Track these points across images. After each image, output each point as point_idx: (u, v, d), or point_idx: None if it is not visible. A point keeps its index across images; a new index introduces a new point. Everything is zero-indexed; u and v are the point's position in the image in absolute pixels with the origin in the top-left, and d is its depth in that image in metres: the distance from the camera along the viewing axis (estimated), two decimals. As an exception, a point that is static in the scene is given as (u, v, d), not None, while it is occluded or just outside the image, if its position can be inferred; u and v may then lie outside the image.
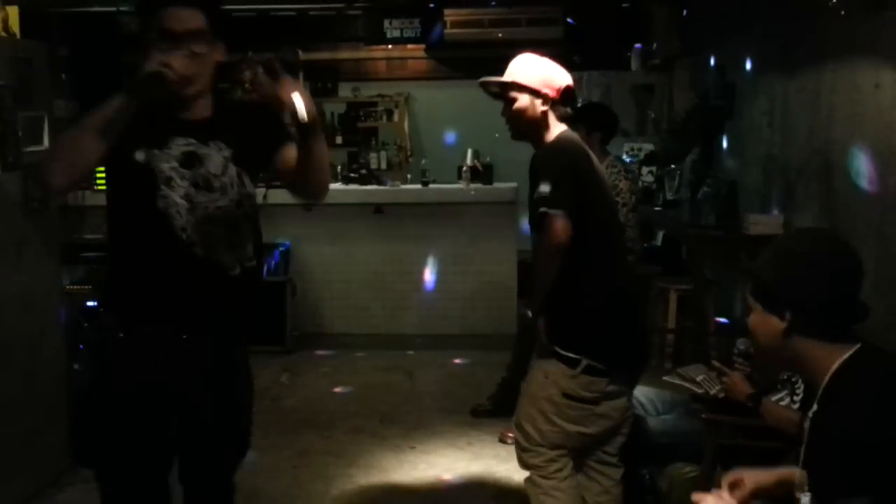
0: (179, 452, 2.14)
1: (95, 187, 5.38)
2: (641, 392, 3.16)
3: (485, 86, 2.72)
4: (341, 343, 5.79)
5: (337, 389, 4.98)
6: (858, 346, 1.65)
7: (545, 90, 2.59)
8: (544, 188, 2.46)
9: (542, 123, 2.62)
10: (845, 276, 1.67)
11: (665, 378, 3.34)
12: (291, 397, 4.83)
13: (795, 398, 2.56)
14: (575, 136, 2.67)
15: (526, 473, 2.71)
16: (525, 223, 2.91)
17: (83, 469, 3.77)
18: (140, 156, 1.96)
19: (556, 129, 2.63)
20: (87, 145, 1.88)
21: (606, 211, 2.67)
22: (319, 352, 5.64)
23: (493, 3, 6.64)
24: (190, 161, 2.01)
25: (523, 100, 2.61)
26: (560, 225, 2.44)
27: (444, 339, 5.72)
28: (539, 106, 2.60)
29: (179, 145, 2.01)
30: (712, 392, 2.92)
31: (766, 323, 1.70)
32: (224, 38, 2.06)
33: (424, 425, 4.34)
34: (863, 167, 2.95)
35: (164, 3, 1.98)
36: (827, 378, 1.64)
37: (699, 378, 3.17)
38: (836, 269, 1.66)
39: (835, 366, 1.63)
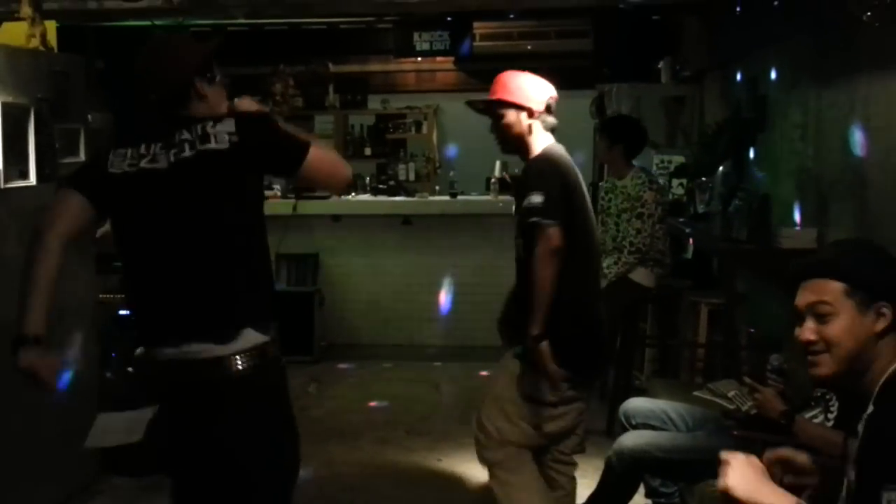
0: None
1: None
2: (671, 407, 3.13)
3: (472, 105, 2.86)
4: (368, 354, 5.80)
5: (364, 400, 4.99)
6: None
7: (529, 104, 2.70)
8: (536, 199, 2.55)
9: (528, 137, 2.73)
10: None
11: (696, 393, 3.31)
12: (319, 407, 4.85)
13: (830, 416, 2.51)
14: (561, 148, 2.77)
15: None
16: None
17: (113, 477, 3.81)
18: None
19: (544, 141, 2.74)
20: None
21: (587, 224, 2.75)
22: (346, 362, 5.66)
23: (515, 15, 6.65)
24: None
25: (510, 115, 2.72)
26: (554, 232, 2.53)
27: (470, 350, 5.70)
28: (525, 119, 2.71)
29: None
30: (744, 408, 2.88)
31: (859, 324, 1.62)
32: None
33: (451, 437, 4.33)
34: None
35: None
36: (883, 380, 1.60)
37: (730, 394, 3.13)
38: None
39: (891, 368, 1.60)
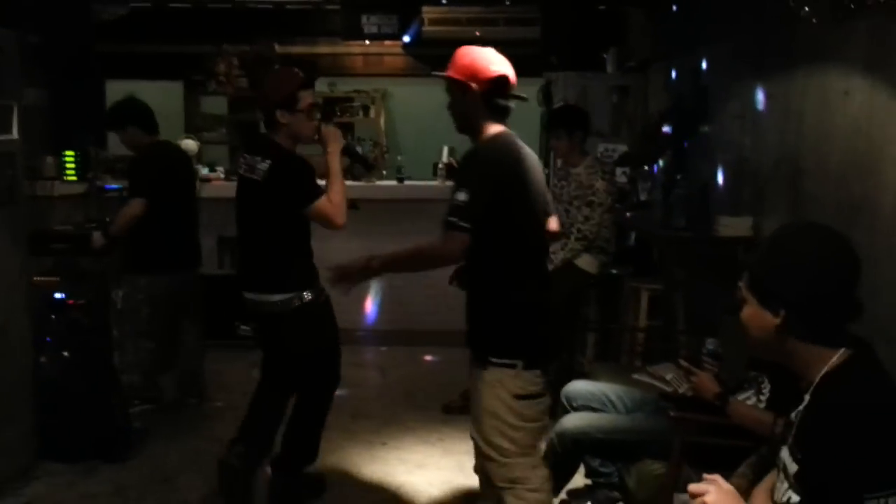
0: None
1: (65, 178, 5.31)
2: (611, 390, 3.20)
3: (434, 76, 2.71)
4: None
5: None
6: (853, 350, 1.64)
7: (472, 84, 2.53)
8: (461, 196, 2.43)
9: (473, 118, 2.58)
10: (842, 272, 1.66)
11: (635, 376, 3.39)
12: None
13: (762, 397, 2.60)
14: (511, 136, 2.59)
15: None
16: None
17: (50, 463, 3.73)
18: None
19: (491, 127, 2.57)
20: None
21: (530, 215, 2.59)
22: (291, 347, 5.61)
23: (464, 1, 6.65)
24: None
25: (455, 93, 2.58)
26: (459, 242, 2.44)
27: (416, 335, 5.72)
28: (467, 99, 2.54)
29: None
30: (681, 390, 2.96)
31: (759, 317, 1.69)
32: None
33: (396, 421, 4.35)
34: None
35: (305, 86, 3.26)
36: (819, 376, 1.64)
37: (668, 377, 3.22)
38: (832, 265, 1.65)
39: (828, 365, 1.64)
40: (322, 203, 3.12)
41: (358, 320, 5.88)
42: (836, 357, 1.64)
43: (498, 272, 2.54)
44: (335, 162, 3.20)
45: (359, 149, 3.76)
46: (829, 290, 1.65)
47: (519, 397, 2.54)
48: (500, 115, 2.60)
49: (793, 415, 1.70)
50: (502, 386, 2.53)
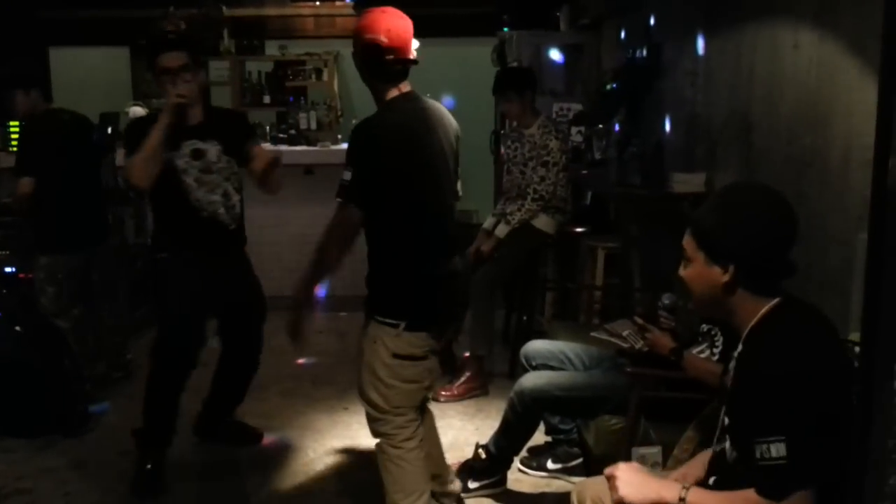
0: (222, 319, 3.53)
1: (10, 149, 5.14)
2: (570, 348, 3.24)
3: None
4: (271, 305, 5.63)
5: (268, 352, 4.93)
6: (780, 298, 1.74)
7: (358, 48, 2.53)
8: (346, 175, 2.47)
9: (374, 85, 2.57)
10: (787, 231, 1.75)
11: (592, 334, 3.43)
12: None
13: (715, 350, 2.65)
14: (405, 101, 2.55)
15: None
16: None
17: (6, 438, 3.68)
18: (166, 156, 3.10)
19: (389, 91, 2.55)
20: (156, 159, 3.07)
21: (423, 180, 2.56)
22: (250, 315, 5.56)
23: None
24: (196, 154, 3.18)
25: (356, 61, 2.58)
26: (350, 216, 2.50)
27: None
28: (361, 66, 2.56)
29: (188, 145, 3.17)
30: (637, 346, 3.00)
31: (706, 274, 1.76)
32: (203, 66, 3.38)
33: (356, 386, 4.34)
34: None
35: (160, 49, 3.10)
36: (752, 323, 1.72)
37: (625, 333, 3.26)
38: (779, 223, 1.74)
39: (760, 313, 1.72)
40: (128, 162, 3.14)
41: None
42: (767, 307, 1.73)
43: (385, 237, 2.58)
44: (155, 131, 3.07)
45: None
46: (775, 244, 1.73)
47: (397, 356, 2.58)
48: (392, 77, 2.55)
49: (729, 365, 1.76)
50: (382, 343, 2.59)
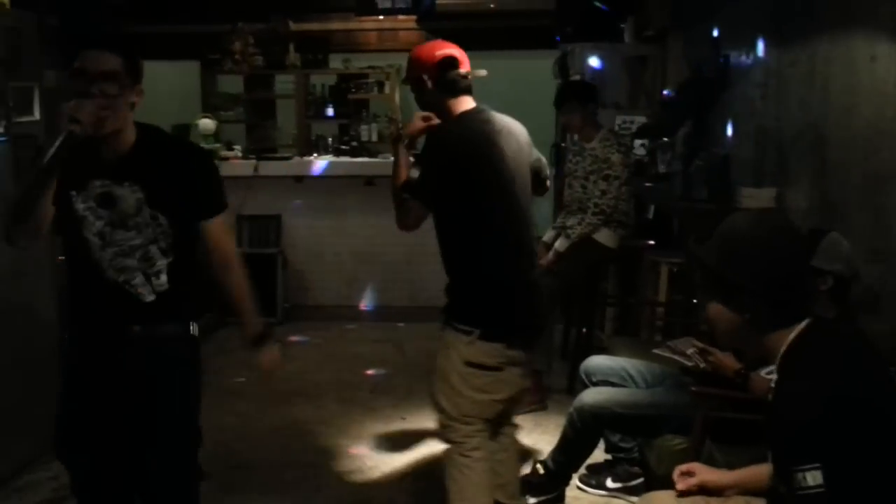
0: (130, 458, 2.26)
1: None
2: (631, 365, 3.17)
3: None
4: (332, 315, 5.79)
5: (327, 361, 4.99)
6: (808, 321, 1.66)
7: (423, 74, 2.65)
8: (414, 173, 2.61)
9: (437, 106, 2.68)
10: (796, 250, 1.69)
11: (655, 351, 3.36)
12: (282, 368, 4.83)
13: (784, 370, 2.56)
14: (478, 114, 2.65)
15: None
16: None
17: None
18: (64, 197, 2.13)
19: (457, 105, 2.65)
20: (40, 212, 2.07)
21: (497, 189, 2.61)
22: (310, 323, 5.64)
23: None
24: (106, 201, 2.16)
25: (416, 91, 2.70)
26: (412, 213, 2.63)
27: (434, 311, 5.66)
28: (425, 92, 2.67)
29: (96, 186, 2.16)
30: (702, 365, 2.93)
31: (727, 315, 1.71)
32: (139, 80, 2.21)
33: (414, 396, 4.36)
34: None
35: (83, 45, 2.14)
36: (781, 352, 1.66)
37: (689, 351, 3.18)
38: (786, 247, 1.68)
39: (789, 339, 1.66)
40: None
41: (374, 297, 5.89)
42: (795, 333, 1.66)
43: (460, 245, 2.65)
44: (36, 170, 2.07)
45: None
46: (788, 271, 1.66)
47: (469, 364, 2.59)
48: (459, 91, 2.66)
49: (769, 396, 1.70)
50: (455, 350, 2.61)
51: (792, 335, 1.65)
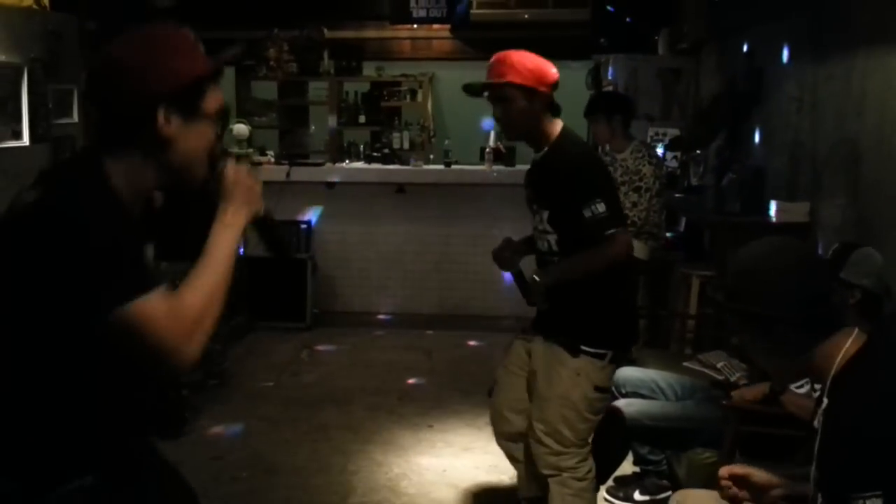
0: None
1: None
2: (661, 377, 3.16)
3: (470, 90, 2.66)
4: (361, 321, 5.83)
5: (355, 367, 5.02)
6: (866, 337, 1.60)
7: (540, 87, 2.56)
8: (601, 207, 2.45)
9: (539, 122, 2.60)
10: (819, 271, 1.67)
11: (685, 364, 3.35)
12: (311, 373, 4.88)
13: (817, 385, 2.54)
14: (570, 131, 2.67)
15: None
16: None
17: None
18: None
19: (556, 124, 2.63)
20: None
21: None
22: (339, 329, 5.68)
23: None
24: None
25: (520, 100, 2.56)
26: (626, 241, 2.51)
27: (462, 319, 5.73)
28: (536, 104, 2.57)
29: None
30: (732, 378, 2.91)
31: (762, 348, 1.69)
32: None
33: (442, 404, 4.37)
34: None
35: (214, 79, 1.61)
36: (833, 371, 1.60)
37: (719, 364, 3.17)
38: (809, 269, 1.65)
39: (839, 358, 1.60)
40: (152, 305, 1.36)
41: (403, 304, 5.92)
42: (849, 343, 1.59)
43: None
44: (228, 233, 1.49)
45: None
46: (815, 289, 1.63)
47: (598, 389, 2.59)
48: (558, 114, 2.65)
49: (815, 422, 1.66)
50: (586, 376, 2.57)
51: (843, 351, 1.59)
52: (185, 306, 1.39)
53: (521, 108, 2.56)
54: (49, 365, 1.39)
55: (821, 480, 1.60)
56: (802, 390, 2.57)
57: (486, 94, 2.64)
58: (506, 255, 2.78)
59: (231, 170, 1.51)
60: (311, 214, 5.90)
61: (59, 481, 1.42)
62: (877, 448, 1.48)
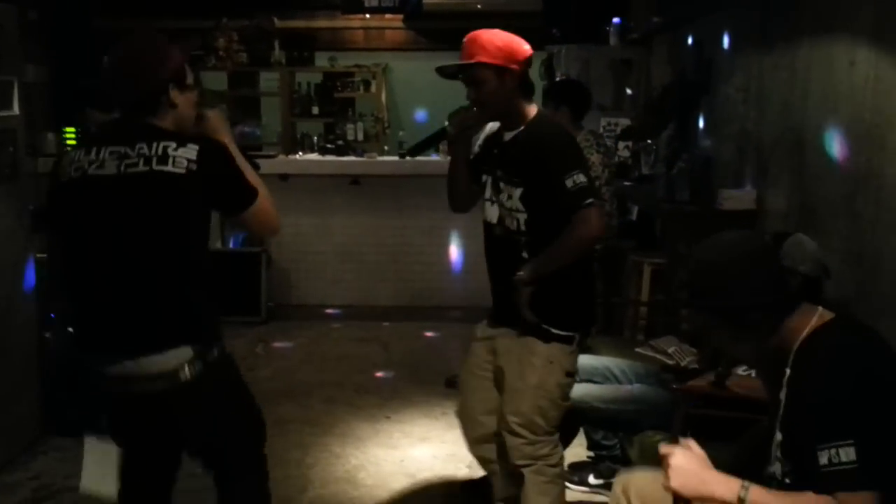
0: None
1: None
2: (615, 363, 3.21)
3: (442, 71, 2.59)
4: (316, 314, 5.79)
5: (312, 360, 5.00)
6: (832, 315, 1.70)
7: (511, 65, 2.49)
8: (580, 178, 2.41)
9: (513, 102, 2.55)
10: (770, 253, 1.76)
11: (638, 350, 3.40)
12: (267, 367, 4.84)
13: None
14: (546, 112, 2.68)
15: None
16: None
17: (56, 437, 3.76)
18: None
19: (531, 105, 2.58)
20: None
21: None
22: (295, 322, 5.64)
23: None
24: None
25: (492, 80, 2.50)
26: (599, 215, 2.45)
27: (418, 310, 5.74)
28: (507, 82, 2.50)
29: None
30: (683, 363, 2.97)
31: (733, 339, 1.77)
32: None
33: (399, 395, 4.37)
34: (836, 144, 2.99)
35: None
36: (797, 343, 1.69)
37: (670, 350, 3.23)
38: (761, 253, 1.73)
39: (805, 332, 1.69)
40: (262, 201, 2.18)
41: (359, 296, 5.90)
42: (815, 319, 1.69)
43: None
44: (236, 150, 2.23)
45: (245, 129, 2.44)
46: (772, 270, 1.72)
47: (569, 374, 2.60)
48: (531, 94, 2.60)
49: (781, 394, 1.71)
50: (558, 363, 2.56)
51: (808, 327, 1.68)
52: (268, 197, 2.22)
53: (494, 88, 2.51)
54: (204, 253, 2.14)
55: (788, 445, 1.65)
56: (748, 372, 2.64)
57: (459, 76, 2.57)
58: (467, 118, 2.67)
59: (212, 116, 2.25)
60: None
61: (213, 346, 2.17)
62: (847, 399, 1.55)
